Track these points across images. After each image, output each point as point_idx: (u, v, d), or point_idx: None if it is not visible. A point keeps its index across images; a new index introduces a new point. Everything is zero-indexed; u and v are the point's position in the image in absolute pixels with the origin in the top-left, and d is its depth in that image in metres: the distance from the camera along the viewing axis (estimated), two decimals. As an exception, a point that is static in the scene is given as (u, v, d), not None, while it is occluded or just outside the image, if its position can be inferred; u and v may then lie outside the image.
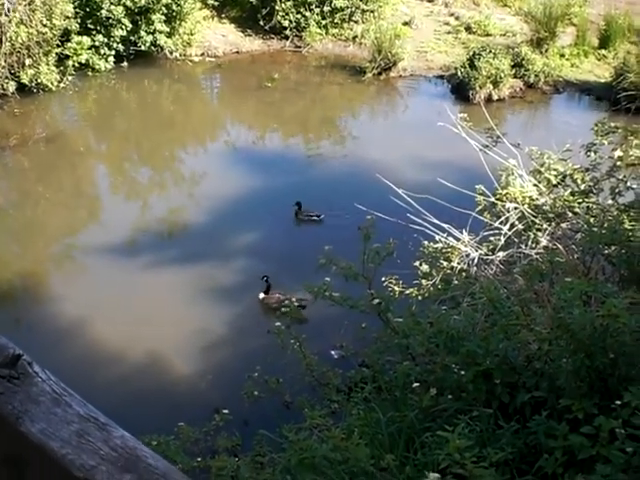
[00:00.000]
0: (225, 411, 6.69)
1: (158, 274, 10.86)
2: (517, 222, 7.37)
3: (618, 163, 7.52)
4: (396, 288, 7.00)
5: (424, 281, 7.11)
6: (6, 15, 15.09)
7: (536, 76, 17.79)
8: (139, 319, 9.97)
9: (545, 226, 7.25)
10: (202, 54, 19.04)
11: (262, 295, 10.45)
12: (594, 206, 7.46)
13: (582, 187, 7.62)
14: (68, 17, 16.17)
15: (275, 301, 10.11)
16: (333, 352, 8.79)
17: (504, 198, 7.49)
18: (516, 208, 7.36)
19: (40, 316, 10.22)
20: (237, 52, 19.43)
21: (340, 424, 5.68)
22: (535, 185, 7.66)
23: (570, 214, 7.42)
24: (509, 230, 7.34)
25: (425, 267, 7.21)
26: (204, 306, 10.20)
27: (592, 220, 7.22)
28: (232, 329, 9.77)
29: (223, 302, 10.28)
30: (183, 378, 9.02)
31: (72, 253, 11.86)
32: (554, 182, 7.73)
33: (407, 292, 7.08)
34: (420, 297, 7.01)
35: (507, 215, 7.40)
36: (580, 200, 7.50)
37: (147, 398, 8.59)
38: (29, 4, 15.34)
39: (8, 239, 12.33)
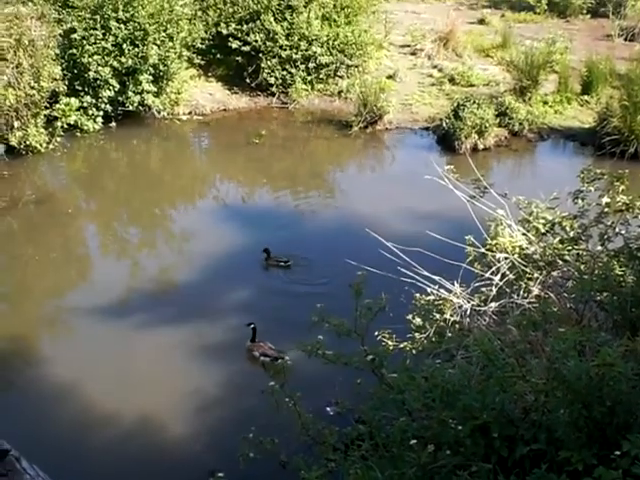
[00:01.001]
0: (220, 474, 6.58)
1: (149, 334, 10.77)
2: (508, 272, 7.38)
3: (606, 209, 7.57)
4: (390, 342, 6.96)
5: (417, 334, 7.08)
6: (-6, 79, 15.22)
7: (520, 124, 17.96)
8: (131, 381, 9.87)
9: (536, 275, 7.26)
10: (190, 112, 19.18)
11: (248, 343, 10.56)
12: (584, 253, 7.49)
13: (571, 234, 7.66)
14: (56, 79, 16.29)
15: (259, 350, 10.34)
16: (329, 409, 8.69)
17: (494, 248, 7.51)
18: (506, 258, 7.38)
19: (31, 379, 10.09)
20: (224, 110, 19.58)
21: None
22: (524, 234, 7.70)
23: (560, 262, 7.44)
24: (500, 280, 7.35)
25: (418, 320, 7.19)
26: (197, 366, 10.10)
27: (582, 267, 7.24)
28: (226, 389, 9.66)
29: (216, 361, 10.19)
30: (177, 440, 8.88)
31: (62, 315, 11.76)
32: (543, 230, 7.77)
33: (401, 346, 7.04)
34: (414, 351, 6.97)
35: (498, 265, 7.41)
36: (570, 247, 7.53)
37: (141, 462, 8.45)
38: (17, 67, 15.47)
39: (-2, 302, 12.26)
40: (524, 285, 7.17)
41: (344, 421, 7.77)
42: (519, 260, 7.32)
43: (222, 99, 19.82)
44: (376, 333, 7.02)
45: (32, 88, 15.61)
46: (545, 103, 19.38)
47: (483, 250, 7.61)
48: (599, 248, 7.34)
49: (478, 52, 22.88)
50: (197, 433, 8.92)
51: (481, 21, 25.38)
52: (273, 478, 7.30)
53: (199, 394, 9.53)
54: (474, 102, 17.20)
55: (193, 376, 9.93)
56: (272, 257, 12.59)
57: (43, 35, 16.14)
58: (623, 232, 7.30)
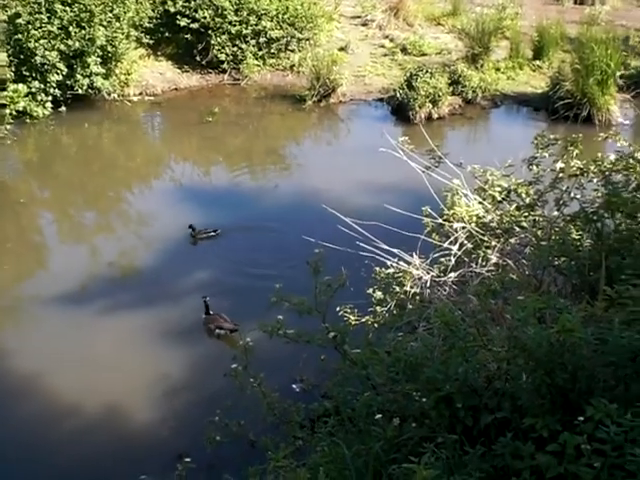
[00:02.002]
0: (187, 459, 6.55)
1: (111, 320, 10.66)
2: (466, 241, 7.40)
3: (560, 174, 7.61)
4: (351, 317, 6.96)
5: (378, 308, 7.09)
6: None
7: (474, 92, 18.03)
8: (94, 369, 9.75)
9: (494, 243, 7.29)
10: (140, 93, 18.94)
11: (203, 316, 10.58)
12: (540, 219, 7.53)
13: (527, 201, 7.70)
14: (2, 66, 15.95)
15: (214, 323, 10.37)
16: (295, 386, 8.70)
17: (451, 218, 7.53)
18: (464, 227, 7.39)
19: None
20: (176, 89, 19.38)
21: (305, 462, 5.60)
22: (480, 203, 7.72)
23: (517, 229, 7.47)
24: (459, 250, 7.37)
25: (378, 294, 7.18)
26: (161, 350, 10.02)
27: (540, 233, 7.28)
28: (191, 372, 9.60)
29: (180, 344, 10.11)
30: (144, 426, 8.81)
31: (21, 304, 11.57)
32: (499, 198, 7.80)
33: (362, 321, 7.04)
34: (376, 325, 6.98)
35: (455, 235, 7.43)
36: (526, 214, 7.56)
37: (107, 451, 8.38)
38: (-39, 55, 15.15)
39: (-47, 294, 12.03)
40: (482, 254, 7.20)
41: (310, 397, 7.80)
42: (476, 229, 7.34)
43: (173, 78, 19.60)
44: (338, 309, 7.00)
45: (-23, 76, 15.29)
46: (497, 70, 19.47)
47: (440, 220, 7.62)
48: (555, 213, 7.38)
49: (429, 21, 22.90)
50: (164, 418, 8.86)
51: (431, -12, 25.31)
52: (242, 459, 7.27)
53: (164, 379, 9.46)
54: (427, 71, 17.21)
55: (157, 361, 9.85)
56: (198, 231, 12.64)
57: (-14, 21, 15.78)
58: (578, 196, 7.34)
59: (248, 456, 7.36)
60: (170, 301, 11.05)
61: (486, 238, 7.30)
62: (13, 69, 16.62)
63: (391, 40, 21.52)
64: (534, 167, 7.77)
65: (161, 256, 12.31)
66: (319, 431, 6.18)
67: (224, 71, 19.67)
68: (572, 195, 7.43)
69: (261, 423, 7.18)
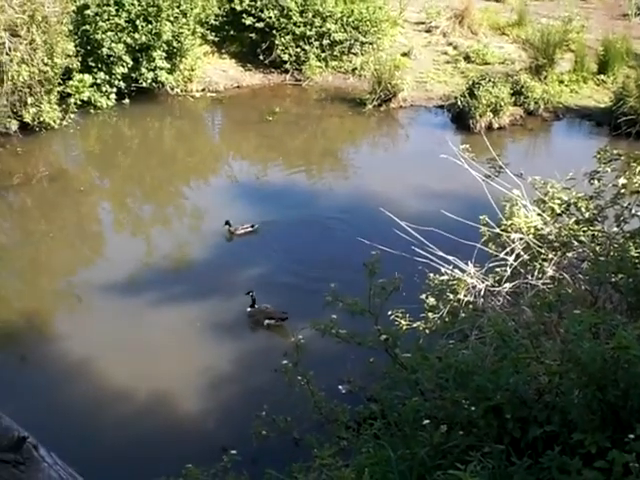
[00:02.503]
0: (233, 452, 6.60)
1: (163, 311, 10.82)
2: (522, 252, 7.33)
3: (622, 190, 7.50)
4: (403, 322, 6.95)
5: (431, 314, 7.06)
6: (7, 54, 15.18)
7: (536, 103, 17.83)
8: (144, 357, 9.92)
9: (551, 256, 7.21)
10: (203, 89, 19.14)
11: (249, 309, 10.72)
12: (599, 234, 7.43)
13: (587, 215, 7.60)
14: (69, 55, 16.27)
15: (262, 315, 10.55)
16: (341, 387, 8.72)
17: (509, 228, 7.46)
18: (521, 238, 7.33)
19: (45, 355, 10.16)
20: (238, 87, 19.54)
21: (350, 462, 5.61)
22: (539, 215, 7.64)
23: (576, 243, 7.38)
24: (515, 261, 7.30)
25: (431, 300, 7.16)
26: (211, 343, 10.14)
27: (598, 249, 7.19)
28: (239, 366, 9.70)
29: (230, 338, 10.23)
30: (190, 417, 8.93)
31: (76, 291, 11.81)
32: (558, 211, 7.71)
33: (414, 326, 7.02)
34: (427, 331, 6.96)
35: (512, 246, 7.36)
36: (585, 228, 7.46)
37: (153, 438, 8.51)
38: (30, 43, 15.44)
39: (12, 278, 12.30)
40: (539, 266, 7.12)
41: (356, 400, 7.78)
42: (534, 241, 7.27)
43: (235, 76, 19.76)
44: (389, 313, 7.00)
45: (45, 65, 15.59)
46: (561, 82, 19.21)
47: (498, 230, 7.56)
48: (615, 229, 7.28)
49: (494, 30, 22.68)
50: (210, 410, 8.97)
51: (497, -2, 25.14)
52: (284, 455, 7.31)
53: (212, 371, 9.57)
54: (489, 80, 17.07)
55: (207, 353, 9.97)
56: (235, 228, 12.75)
57: (56, 11, 16.08)
58: (639, 213, 7.24)
59: (291, 453, 7.40)
60: (221, 295, 11.17)
61: (543, 250, 7.23)
62: (80, 59, 16.90)
63: (454, 47, 21.40)
64: (595, 181, 7.67)
65: (214, 251, 12.45)
66: (364, 433, 6.19)
67: (286, 71, 19.78)
68: (633, 212, 7.33)
69: (306, 422, 7.21)
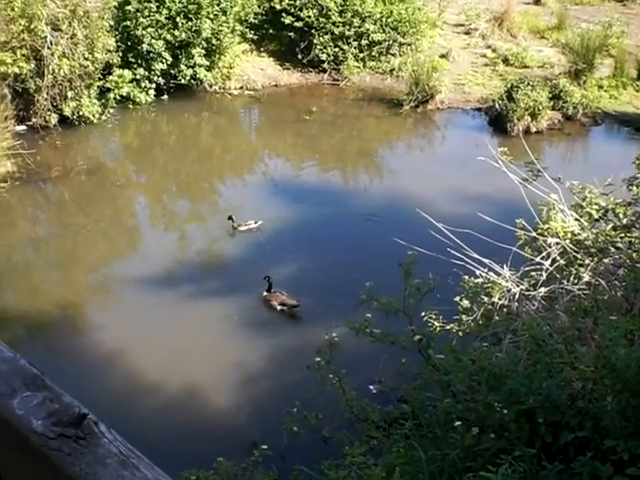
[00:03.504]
0: (264, 447, 6.65)
1: (196, 306, 10.89)
2: (559, 257, 7.29)
3: (661, 197, 7.43)
4: (436, 323, 6.95)
5: (464, 317, 7.04)
6: (48, 48, 15.38)
7: (574, 108, 17.69)
8: (176, 351, 9.99)
9: (587, 261, 7.17)
10: (241, 87, 19.23)
11: (265, 293, 10.98)
12: (636, 241, 7.36)
13: (624, 221, 7.54)
14: (110, 51, 16.43)
15: (277, 300, 10.81)
16: (372, 387, 8.73)
17: (545, 233, 7.42)
18: (558, 243, 7.29)
19: (78, 345, 10.27)
20: (275, 85, 19.61)
21: (379, 461, 5.63)
22: (577, 220, 7.59)
23: (612, 249, 7.32)
24: (551, 265, 7.26)
25: (466, 302, 7.14)
26: (243, 338, 10.20)
27: (635, 255, 7.13)
28: (271, 362, 9.74)
29: (260, 335, 10.27)
30: (220, 412, 8.99)
31: (110, 284, 11.94)
32: (596, 216, 7.66)
33: (447, 328, 7.02)
34: (460, 333, 6.95)
35: (548, 250, 7.32)
36: (622, 235, 7.40)
37: (184, 431, 8.58)
38: (71, 37, 15.62)
39: (48, 269, 12.47)
40: (574, 271, 7.08)
41: (386, 400, 7.81)
42: (570, 246, 7.22)
43: (273, 74, 19.83)
44: (423, 314, 7.00)
45: (86, 59, 15.75)
46: (600, 87, 19.05)
47: (534, 234, 7.53)
48: (652, 236, 7.22)
49: (533, 33, 22.54)
50: (241, 405, 9.01)
51: (537, 2, 24.98)
52: (313, 452, 7.35)
53: (244, 366, 9.62)
54: (528, 84, 16.97)
55: (239, 348, 10.02)
56: (238, 224, 12.81)
57: (98, 6, 16.27)
58: (678, 221, 7.17)
59: (319, 451, 7.44)
60: (254, 292, 11.20)
61: (580, 256, 7.18)
62: (120, 55, 17.06)
63: (493, 50, 21.30)
64: (634, 188, 7.61)
65: (247, 247, 12.50)
66: (395, 433, 6.20)
67: (324, 71, 19.82)
68: (672, 219, 7.25)
69: (336, 420, 7.25)
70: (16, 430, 1.11)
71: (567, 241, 7.25)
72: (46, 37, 15.33)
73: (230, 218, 12.83)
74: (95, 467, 1.05)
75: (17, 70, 15.18)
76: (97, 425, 1.12)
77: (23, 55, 15.23)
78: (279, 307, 10.78)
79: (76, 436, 1.09)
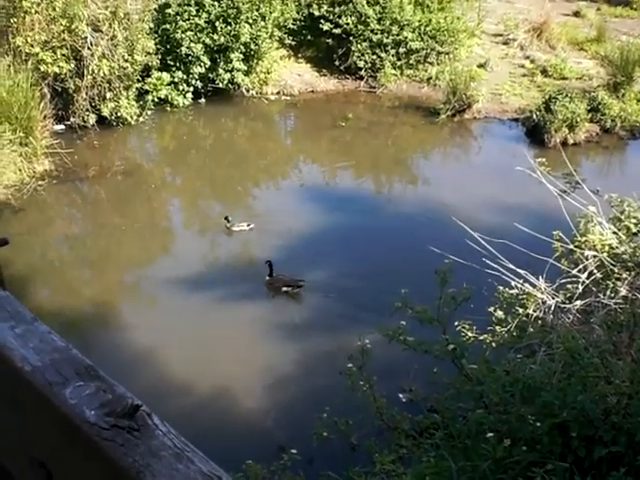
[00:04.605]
0: (293, 451, 6.64)
1: (228, 308, 10.93)
2: (595, 270, 7.21)
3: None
4: (469, 333, 6.89)
5: (498, 327, 6.98)
6: (88, 49, 15.56)
7: (612, 121, 17.52)
8: (206, 352, 10.02)
9: (624, 275, 7.07)
10: (278, 93, 19.31)
11: (267, 278, 11.36)
12: (675, 256, 7.26)
13: (663, 236, 7.44)
14: (149, 53, 16.59)
15: (280, 283, 11.22)
16: (401, 395, 8.69)
17: (582, 245, 7.35)
18: (595, 256, 7.21)
19: (109, 344, 10.33)
20: (312, 91, 19.66)
21: (409, 471, 5.60)
22: (615, 233, 7.50)
23: (650, 264, 7.22)
24: (587, 278, 7.18)
25: (500, 313, 7.08)
26: (274, 342, 10.20)
27: (673, 271, 7.03)
28: (301, 367, 9.73)
29: (293, 339, 10.27)
30: (249, 414, 9.00)
31: (143, 283, 12.03)
32: (634, 230, 7.57)
33: (481, 338, 6.96)
34: (494, 344, 6.89)
35: (585, 263, 7.24)
36: (661, 249, 7.31)
37: (212, 432, 8.58)
38: (111, 39, 15.79)
39: (82, 267, 12.58)
40: (611, 285, 6.99)
41: (415, 409, 7.76)
42: (608, 259, 7.14)
43: (311, 81, 19.89)
44: (456, 323, 6.95)
45: (126, 61, 15.92)
46: (639, 101, 18.84)
47: (571, 246, 7.45)
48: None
49: (572, 45, 22.39)
50: (269, 408, 9.01)
51: (576, 13, 24.84)
52: (341, 459, 7.33)
53: (274, 369, 9.62)
54: (566, 95, 16.85)
55: (269, 351, 10.03)
56: (232, 223, 13.04)
57: (138, 9, 16.45)
58: None
59: (347, 457, 7.42)
60: (286, 296, 11.21)
61: (617, 269, 7.09)
62: (159, 57, 17.21)
63: (532, 61, 21.18)
64: (673, 202, 7.52)
65: (280, 252, 12.50)
66: (424, 442, 6.16)
67: (361, 78, 19.83)
68: None
69: (365, 427, 7.21)
70: (68, 420, 1.11)
71: (604, 254, 7.16)
72: (86, 38, 15.50)
73: (226, 218, 13.09)
74: (149, 459, 1.05)
75: (57, 70, 15.38)
76: (151, 417, 1.11)
77: (63, 55, 15.43)
78: (284, 288, 11.16)
79: (129, 427, 1.09)
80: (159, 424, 1.10)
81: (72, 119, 16.17)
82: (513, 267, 7.41)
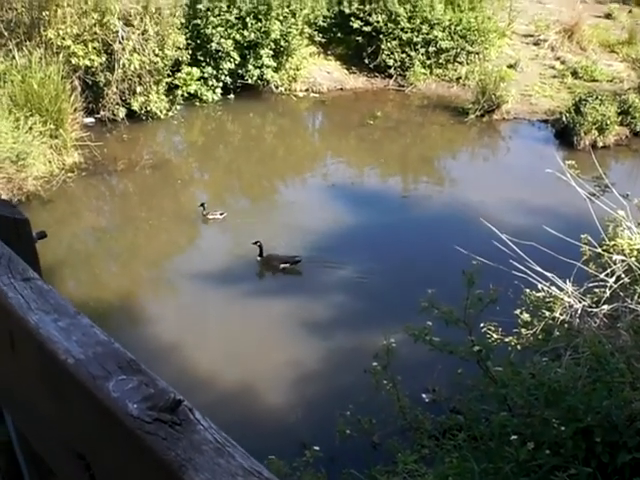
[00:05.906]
0: (316, 448, 6.67)
1: (252, 304, 10.97)
2: (623, 275, 7.15)
3: None
4: (495, 335, 6.88)
5: (524, 330, 6.96)
6: (120, 43, 15.66)
7: (643, 124, 17.39)
8: (230, 347, 10.07)
9: (653, 281, 7.02)
10: (307, 90, 19.33)
11: (258, 258, 11.65)
12: None
13: (693, 242, 7.37)
14: (180, 48, 16.66)
15: (275, 261, 11.50)
16: (424, 395, 8.68)
17: (611, 249, 7.29)
18: (623, 260, 7.15)
19: (134, 336, 10.38)
20: (341, 89, 19.66)
21: (431, 471, 5.60)
22: (644, 237, 7.44)
23: (679, 269, 7.16)
24: (615, 283, 7.13)
25: (526, 316, 7.05)
26: (297, 339, 10.23)
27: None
28: (326, 364, 9.75)
29: (317, 336, 10.28)
30: (271, 410, 9.03)
31: (169, 277, 12.10)
32: (664, 235, 7.50)
33: (506, 340, 6.94)
34: (519, 346, 6.86)
35: (613, 267, 7.19)
36: (690, 255, 7.24)
37: (235, 427, 8.60)
38: (142, 33, 15.89)
39: (109, 260, 12.67)
40: (639, 290, 6.94)
41: (438, 409, 7.74)
42: (636, 264, 7.08)
43: (339, 78, 19.89)
44: (482, 325, 6.94)
45: (156, 55, 16.00)
46: (670, 104, 18.65)
47: (599, 250, 7.40)
48: None
49: (603, 47, 22.22)
50: (292, 405, 9.04)
51: (608, 15, 24.62)
52: (363, 457, 7.33)
53: (299, 366, 9.65)
54: (597, 98, 16.73)
55: (294, 348, 10.06)
56: (207, 212, 13.22)
57: (169, 4, 16.55)
58: None
59: (368, 456, 7.43)
60: (310, 293, 11.25)
61: (645, 274, 7.04)
62: (189, 52, 17.29)
63: (562, 62, 21.04)
64: None
65: (305, 247, 12.51)
66: (447, 443, 6.15)
67: (390, 76, 19.80)
68: None
69: (388, 426, 7.22)
70: (111, 413, 1.13)
71: (633, 259, 7.11)
72: (118, 32, 15.60)
73: (202, 205, 13.28)
74: (191, 453, 1.07)
75: (88, 63, 15.49)
76: (192, 412, 1.13)
77: (94, 48, 15.53)
78: (281, 265, 11.38)
79: (172, 421, 1.11)
80: (200, 419, 1.12)
81: (102, 112, 16.28)
82: (540, 270, 7.37)
